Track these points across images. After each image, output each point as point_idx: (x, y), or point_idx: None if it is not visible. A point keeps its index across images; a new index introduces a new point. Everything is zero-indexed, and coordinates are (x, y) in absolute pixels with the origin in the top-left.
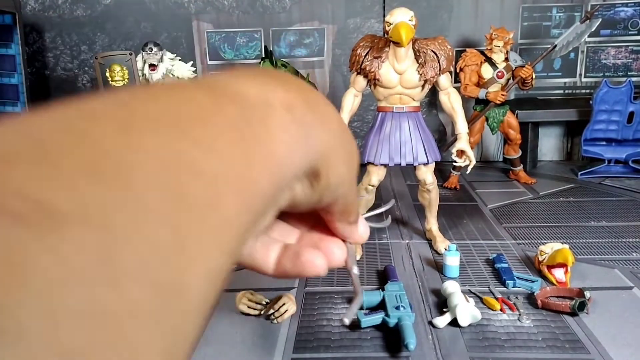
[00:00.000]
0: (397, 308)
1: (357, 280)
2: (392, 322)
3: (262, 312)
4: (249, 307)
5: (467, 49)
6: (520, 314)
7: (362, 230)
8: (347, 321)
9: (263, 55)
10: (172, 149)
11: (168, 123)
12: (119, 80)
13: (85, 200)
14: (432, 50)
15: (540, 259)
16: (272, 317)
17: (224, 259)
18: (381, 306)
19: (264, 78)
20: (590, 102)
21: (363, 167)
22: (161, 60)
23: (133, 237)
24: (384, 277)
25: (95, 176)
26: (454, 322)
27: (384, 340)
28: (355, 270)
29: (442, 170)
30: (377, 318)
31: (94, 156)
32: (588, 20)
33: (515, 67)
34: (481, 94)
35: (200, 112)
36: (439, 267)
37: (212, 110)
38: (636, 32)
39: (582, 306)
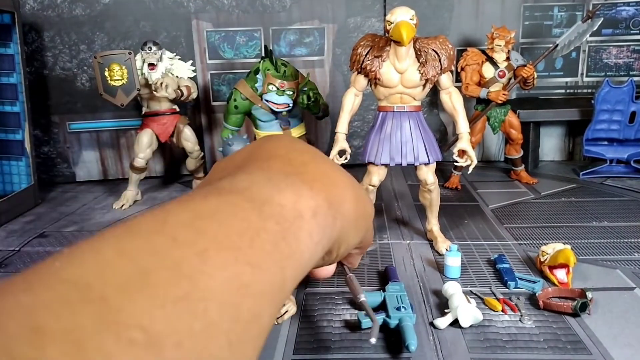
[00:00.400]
0: (398, 309)
1: (367, 306)
2: (393, 323)
3: None
4: None
5: (468, 48)
6: (521, 315)
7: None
8: (373, 340)
9: (263, 55)
10: (233, 272)
11: (231, 246)
12: (117, 80)
13: (177, 327)
14: (433, 50)
15: (542, 260)
16: None
17: (257, 355)
18: (382, 307)
19: (295, 182)
20: (592, 101)
21: (364, 167)
22: (160, 59)
23: (204, 355)
24: (384, 278)
25: (183, 304)
26: (455, 323)
27: (384, 342)
28: (362, 297)
29: (443, 170)
30: (377, 319)
31: (182, 285)
32: (590, 20)
33: (517, 67)
34: (482, 93)
35: (252, 233)
36: (440, 268)
37: (260, 228)
38: (638, 31)
39: (583, 307)
